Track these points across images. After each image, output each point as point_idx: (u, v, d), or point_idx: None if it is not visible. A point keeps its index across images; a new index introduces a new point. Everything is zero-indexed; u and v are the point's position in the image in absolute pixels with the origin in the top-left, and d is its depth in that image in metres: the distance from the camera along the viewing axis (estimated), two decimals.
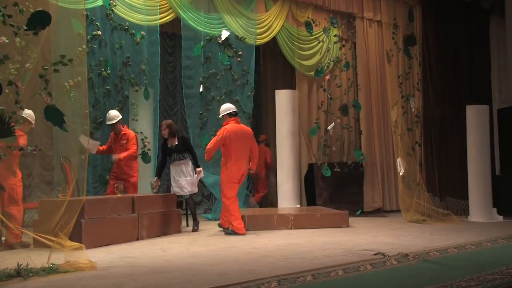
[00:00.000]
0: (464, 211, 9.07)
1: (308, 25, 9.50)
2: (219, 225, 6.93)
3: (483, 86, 10.41)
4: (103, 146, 7.15)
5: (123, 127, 7.12)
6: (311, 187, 9.29)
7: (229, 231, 6.52)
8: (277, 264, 4.33)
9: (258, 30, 9.00)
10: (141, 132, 7.86)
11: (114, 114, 7.04)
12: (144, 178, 7.64)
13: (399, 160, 8.28)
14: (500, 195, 8.64)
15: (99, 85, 7.64)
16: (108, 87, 7.73)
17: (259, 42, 9.08)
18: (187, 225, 7.49)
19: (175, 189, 7.06)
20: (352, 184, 9.26)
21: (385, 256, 4.58)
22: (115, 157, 6.89)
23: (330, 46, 9.74)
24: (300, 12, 9.52)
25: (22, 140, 5.43)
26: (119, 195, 6.38)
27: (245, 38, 8.88)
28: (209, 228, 7.27)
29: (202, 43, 8.53)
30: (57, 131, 6.24)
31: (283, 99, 9.07)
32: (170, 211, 6.77)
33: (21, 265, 3.89)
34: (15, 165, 5.56)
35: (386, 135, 9.88)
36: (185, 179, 6.99)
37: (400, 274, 3.93)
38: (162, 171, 7.25)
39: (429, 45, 9.74)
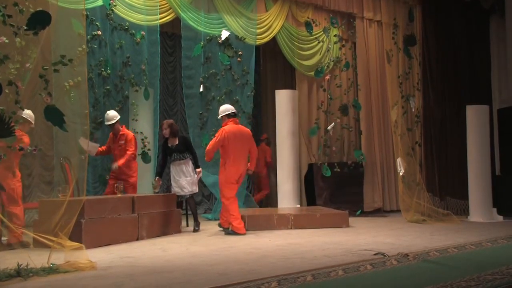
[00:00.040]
0: (464, 211, 9.07)
1: (308, 25, 9.50)
2: (219, 225, 6.93)
3: (483, 86, 10.41)
4: (102, 147, 7.16)
5: (122, 127, 7.12)
6: (311, 187, 9.29)
7: (229, 231, 6.52)
8: (277, 264, 4.33)
9: (258, 30, 9.00)
10: (141, 132, 7.86)
11: (113, 115, 7.05)
12: (144, 178, 7.64)
13: (399, 160, 8.28)
14: (500, 195, 8.64)
15: (99, 85, 7.64)
16: (108, 87, 7.73)
17: (259, 42, 9.08)
18: (187, 225, 7.48)
19: (175, 189, 7.06)
20: (352, 184, 9.26)
21: (385, 256, 4.58)
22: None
23: (330, 46, 9.74)
24: (300, 12, 9.52)
25: (27, 139, 5.46)
26: (119, 195, 6.38)
27: (245, 38, 8.87)
28: (209, 228, 7.27)
29: (202, 43, 8.53)
30: (57, 131, 6.23)
31: (283, 99, 9.07)
32: (170, 211, 6.76)
33: (21, 265, 3.89)
34: (16, 165, 5.56)
35: (386, 135, 9.88)
36: (185, 179, 6.99)
37: (400, 274, 3.93)
38: (163, 171, 7.25)
39: (429, 45, 9.74)
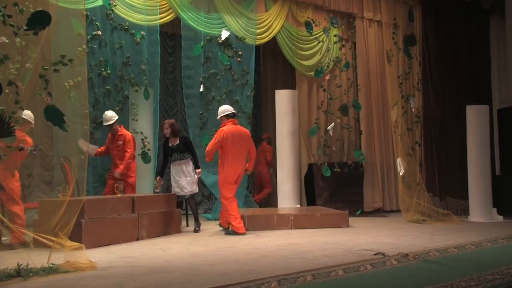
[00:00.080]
0: (464, 211, 9.07)
1: (308, 25, 9.50)
2: (220, 225, 6.94)
3: (483, 86, 10.41)
4: (101, 148, 7.17)
5: (120, 127, 7.12)
6: (311, 187, 9.28)
7: (229, 231, 6.52)
8: (277, 264, 4.33)
9: (258, 30, 9.00)
10: (141, 132, 7.86)
11: (110, 115, 7.05)
12: (144, 178, 7.64)
13: (399, 160, 8.28)
14: (500, 195, 8.64)
15: (99, 85, 7.64)
16: (108, 87, 7.73)
17: (259, 42, 9.08)
18: (187, 225, 7.48)
19: (175, 189, 7.06)
20: (352, 184, 9.26)
21: (385, 256, 4.58)
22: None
23: (330, 46, 9.74)
24: (300, 12, 9.52)
25: (30, 140, 5.47)
26: (119, 195, 6.38)
27: (245, 38, 8.87)
28: (209, 228, 7.27)
29: (202, 43, 8.53)
30: (57, 131, 6.24)
31: (283, 99, 9.07)
32: (170, 211, 6.76)
33: (21, 265, 3.89)
34: (18, 166, 5.56)
35: (386, 135, 9.88)
36: (185, 179, 6.98)
37: (400, 274, 3.93)
38: (164, 171, 7.25)
39: (429, 45, 9.74)
